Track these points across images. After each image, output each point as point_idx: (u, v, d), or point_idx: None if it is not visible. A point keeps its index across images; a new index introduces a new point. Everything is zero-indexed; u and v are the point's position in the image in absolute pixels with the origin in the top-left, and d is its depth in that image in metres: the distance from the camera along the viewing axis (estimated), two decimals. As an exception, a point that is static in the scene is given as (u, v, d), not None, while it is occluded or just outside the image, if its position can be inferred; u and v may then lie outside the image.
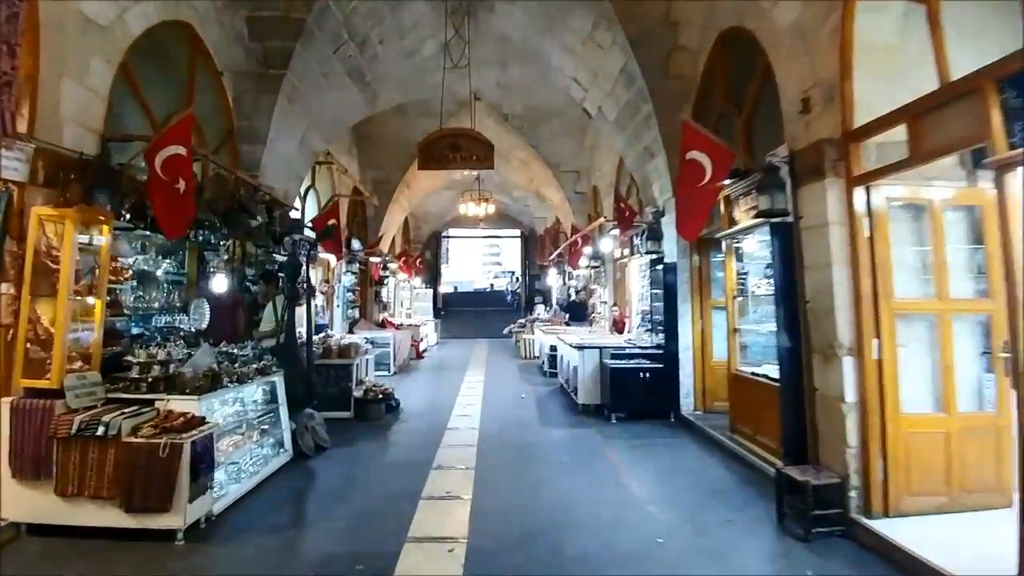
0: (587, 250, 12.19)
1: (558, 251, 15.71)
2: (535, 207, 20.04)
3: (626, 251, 10.85)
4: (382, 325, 14.00)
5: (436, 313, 21.98)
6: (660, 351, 7.24)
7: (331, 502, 4.51)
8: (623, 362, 7.15)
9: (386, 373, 11.14)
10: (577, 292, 14.53)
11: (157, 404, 4.18)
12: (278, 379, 5.50)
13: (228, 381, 4.59)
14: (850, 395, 3.71)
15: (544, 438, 6.37)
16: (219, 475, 4.52)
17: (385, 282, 14.89)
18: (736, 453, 5.41)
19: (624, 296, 11.48)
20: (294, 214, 7.85)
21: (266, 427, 5.34)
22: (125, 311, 5.01)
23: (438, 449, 5.88)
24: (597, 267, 11.99)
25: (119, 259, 4.71)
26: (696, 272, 7.08)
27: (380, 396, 7.22)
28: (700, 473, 5.08)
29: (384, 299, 15.01)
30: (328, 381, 7.19)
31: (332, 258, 10.05)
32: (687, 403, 6.98)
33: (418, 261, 20.16)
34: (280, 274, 6.23)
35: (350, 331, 11.68)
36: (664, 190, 7.43)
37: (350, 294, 11.57)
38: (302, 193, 9.82)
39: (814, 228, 4.00)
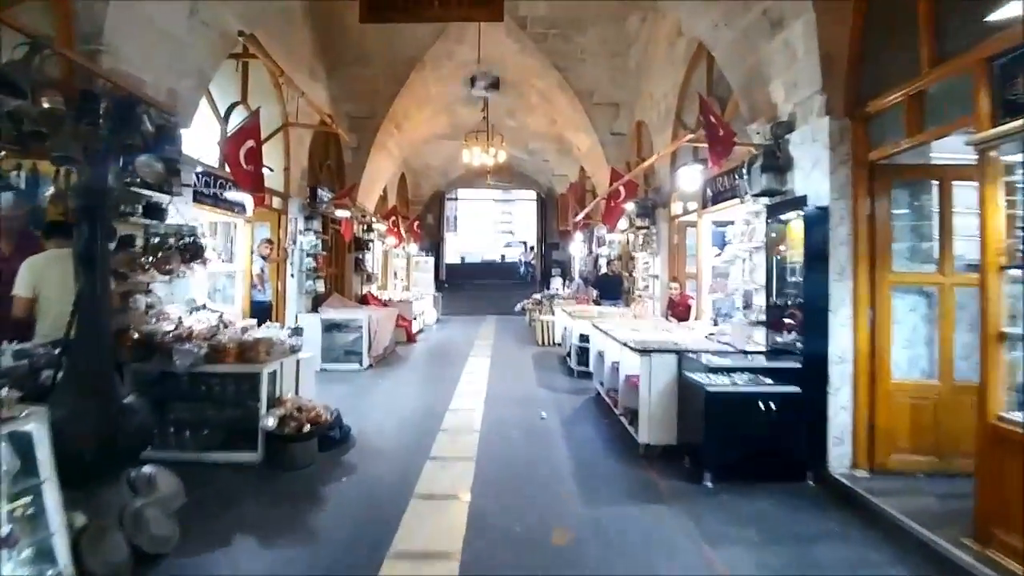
0: (629, 206, 9.02)
1: (586, 210, 12.53)
2: (556, 161, 16.77)
3: (691, 205, 7.71)
4: (364, 301, 11.08)
5: (439, 286, 19.09)
6: (793, 361, 4.18)
7: None
8: (725, 380, 4.10)
9: (356, 367, 8.25)
10: (609, 262, 11.40)
11: None
12: (34, 427, 2.56)
13: None
14: None
15: (591, 531, 3.34)
16: None
17: (368, 247, 11.89)
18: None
19: (681, 267, 8.38)
20: (191, 132, 4.74)
21: (7, 529, 2.44)
22: None
23: (385, 562, 2.95)
24: (645, 227, 8.83)
25: None
26: (865, 226, 3.96)
27: (308, 428, 4.27)
28: None
29: (368, 268, 12.04)
30: (218, 402, 4.27)
31: (251, 205, 6.61)
32: (841, 455, 3.94)
33: (415, 224, 17.09)
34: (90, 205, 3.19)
35: (314, 310, 8.77)
36: (803, 84, 4.27)
37: (311, 260, 8.58)
38: (222, 109, 6.75)
39: None
